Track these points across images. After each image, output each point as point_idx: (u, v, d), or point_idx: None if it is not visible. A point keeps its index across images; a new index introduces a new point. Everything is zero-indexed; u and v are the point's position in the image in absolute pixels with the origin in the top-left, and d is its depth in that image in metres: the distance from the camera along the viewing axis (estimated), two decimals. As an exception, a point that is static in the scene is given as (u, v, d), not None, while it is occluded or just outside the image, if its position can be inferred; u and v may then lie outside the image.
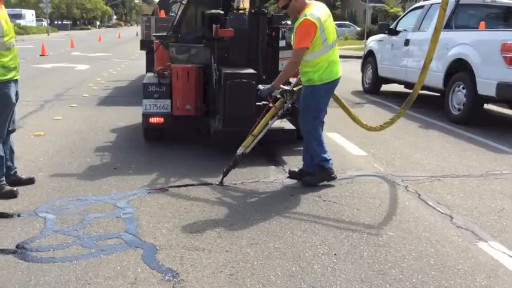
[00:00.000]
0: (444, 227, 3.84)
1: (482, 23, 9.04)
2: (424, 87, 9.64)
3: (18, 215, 3.89)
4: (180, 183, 4.70)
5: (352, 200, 4.41)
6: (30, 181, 4.61)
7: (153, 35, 7.91)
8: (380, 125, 5.59)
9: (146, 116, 5.88)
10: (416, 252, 3.39)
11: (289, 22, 7.99)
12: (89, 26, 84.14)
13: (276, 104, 4.76)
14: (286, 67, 4.70)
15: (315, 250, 3.38)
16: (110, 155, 5.65)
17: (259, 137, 4.79)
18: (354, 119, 5.50)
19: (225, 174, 4.74)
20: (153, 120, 5.86)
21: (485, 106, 8.53)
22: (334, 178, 4.80)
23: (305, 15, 4.45)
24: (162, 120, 5.87)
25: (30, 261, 3.16)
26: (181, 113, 5.88)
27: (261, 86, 4.90)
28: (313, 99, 4.66)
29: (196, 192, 4.50)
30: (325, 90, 4.66)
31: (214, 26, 5.45)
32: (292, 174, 5.00)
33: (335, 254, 3.32)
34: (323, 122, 4.85)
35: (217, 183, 4.68)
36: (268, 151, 5.90)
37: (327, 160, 4.78)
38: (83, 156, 5.58)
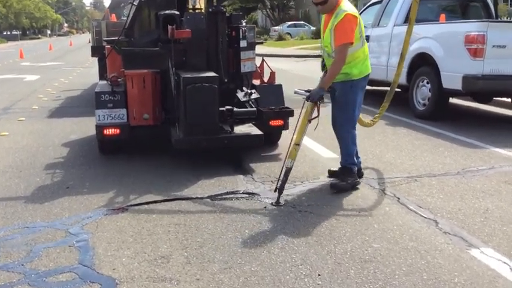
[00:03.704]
0: (431, 234, 3.57)
1: (443, 16, 8.96)
2: (386, 84, 9.52)
3: (-46, 251, 3.38)
4: (140, 201, 4.27)
5: (330, 208, 4.09)
6: (-31, 209, 4.09)
7: (104, 40, 7.41)
8: (371, 120, 5.62)
9: (100, 127, 5.41)
10: (407, 266, 3.09)
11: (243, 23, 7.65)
12: (39, 35, 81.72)
13: (308, 108, 4.39)
14: (333, 66, 4.34)
15: (296, 271, 3.03)
16: (62, 173, 5.15)
17: (301, 142, 4.43)
18: None
19: (280, 192, 4.21)
20: (108, 131, 5.40)
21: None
22: (358, 183, 4.64)
23: (345, 11, 4.27)
24: (118, 131, 5.41)
25: (-34, 309, 2.69)
26: (138, 123, 5.45)
27: (300, 91, 4.57)
28: (353, 94, 4.51)
29: (159, 210, 4.09)
30: (362, 85, 4.58)
31: (169, 27, 5.05)
32: (332, 174, 4.85)
33: (319, 275, 2.98)
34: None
35: (273, 203, 4.15)
36: (235, 158, 5.53)
37: (356, 164, 4.68)
38: (31, 176, 5.07)
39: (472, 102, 9.30)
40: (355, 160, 4.69)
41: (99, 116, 5.42)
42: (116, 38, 6.24)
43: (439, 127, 7.27)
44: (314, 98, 4.32)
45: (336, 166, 5.03)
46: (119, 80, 5.68)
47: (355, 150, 4.69)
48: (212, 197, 4.36)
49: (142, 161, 5.47)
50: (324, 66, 4.78)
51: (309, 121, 4.40)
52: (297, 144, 4.32)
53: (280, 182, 4.25)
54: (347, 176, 4.60)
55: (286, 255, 3.24)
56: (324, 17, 4.53)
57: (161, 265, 3.11)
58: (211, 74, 5.18)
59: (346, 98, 4.51)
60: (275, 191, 4.25)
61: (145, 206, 4.16)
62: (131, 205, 4.18)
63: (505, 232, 3.60)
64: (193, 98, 4.90)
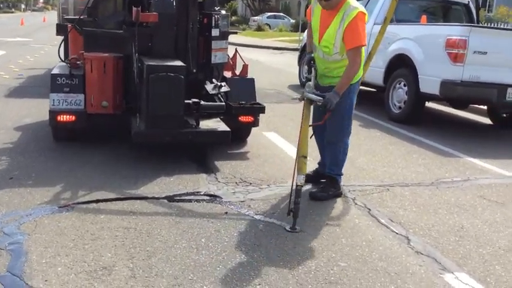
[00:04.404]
0: (402, 253, 3.30)
1: (424, 17, 8.73)
2: (363, 83, 9.28)
3: None
4: (90, 198, 3.87)
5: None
6: None
7: (65, 18, 6.92)
8: None
9: (54, 113, 4.98)
10: (375, 291, 2.82)
11: (223, 12, 7.29)
12: (13, 9, 79.12)
13: (307, 112, 3.93)
14: (348, 71, 3.89)
15: (253, 293, 2.72)
16: (8, 161, 4.71)
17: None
18: None
19: (295, 216, 3.56)
20: (62, 118, 4.97)
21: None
22: (341, 194, 4.30)
23: (356, 8, 3.83)
24: (74, 118, 5.00)
25: None
26: (96, 111, 5.03)
27: (311, 95, 3.92)
28: (350, 99, 4.12)
29: (109, 210, 3.71)
30: (357, 88, 4.20)
31: (134, 9, 4.64)
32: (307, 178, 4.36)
33: (278, 298, 2.68)
34: None
35: (289, 228, 3.54)
36: (199, 155, 5.17)
37: (341, 175, 4.35)
38: (-27, 162, 4.62)
39: (446, 107, 9.14)
40: (342, 171, 4.38)
41: (53, 100, 5.00)
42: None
43: (414, 132, 7.06)
44: (332, 105, 3.83)
45: (308, 169, 4.75)
46: (79, 62, 5.25)
47: (344, 161, 4.36)
48: (170, 198, 4.01)
49: (98, 152, 5.05)
50: (310, 62, 4.22)
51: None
52: (305, 157, 3.74)
53: (293, 204, 3.59)
54: (330, 186, 4.28)
55: (243, 271, 2.92)
56: (320, 12, 4.05)
57: (101, 278, 2.75)
58: (178, 63, 4.80)
59: (343, 104, 4.02)
60: (288, 214, 3.61)
61: (94, 204, 3.77)
62: (78, 203, 3.78)
63: (481, 255, 3.36)
64: (156, 88, 4.52)
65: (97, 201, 3.83)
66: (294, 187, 3.62)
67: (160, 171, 4.58)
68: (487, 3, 30.25)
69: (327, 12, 3.97)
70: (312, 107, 4.05)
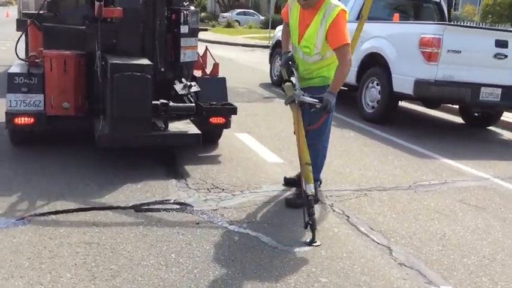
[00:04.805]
0: (385, 265, 3.12)
1: (397, 15, 8.63)
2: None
3: None
4: (48, 209, 3.56)
5: (272, 227, 3.56)
6: None
7: (23, 13, 6.53)
8: None
9: (11, 115, 4.64)
10: (359, 310, 2.63)
11: (192, 8, 7.01)
12: (-27, 3, 76.60)
13: (299, 115, 3.73)
14: (342, 70, 3.67)
15: (229, 316, 2.49)
16: (-41, 167, 4.36)
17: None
18: None
19: (313, 227, 3.36)
20: (20, 120, 4.63)
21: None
22: (318, 201, 4.04)
23: (337, 6, 3.66)
24: (33, 120, 4.66)
25: None
26: (56, 112, 4.69)
27: (308, 98, 3.69)
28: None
29: (70, 222, 3.41)
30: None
31: (96, 3, 4.33)
32: (288, 182, 4.35)
33: (256, 322, 2.46)
34: None
35: (307, 241, 3.34)
36: (168, 159, 4.91)
37: (320, 181, 4.20)
38: None
39: (418, 106, 9.09)
40: (320, 177, 4.22)
41: (10, 101, 4.65)
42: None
43: (387, 132, 6.95)
44: (331, 106, 3.63)
45: (281, 174, 4.56)
46: (38, 60, 4.91)
47: (323, 166, 4.21)
48: (136, 207, 3.73)
49: (59, 157, 4.72)
50: (288, 62, 4.00)
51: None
52: (308, 164, 3.59)
53: (308, 217, 3.37)
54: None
55: (217, 291, 2.69)
56: (298, 11, 3.84)
57: (59, 303, 2.48)
58: (145, 61, 4.53)
59: (324, 106, 3.75)
60: (305, 227, 3.38)
61: (53, 216, 3.46)
62: (36, 214, 3.46)
63: (466, 265, 3.21)
64: (121, 88, 4.23)
65: (56, 212, 3.52)
66: (305, 198, 3.45)
67: (126, 177, 4.30)
68: (454, 2, 30.70)
69: (306, 11, 3.77)
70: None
